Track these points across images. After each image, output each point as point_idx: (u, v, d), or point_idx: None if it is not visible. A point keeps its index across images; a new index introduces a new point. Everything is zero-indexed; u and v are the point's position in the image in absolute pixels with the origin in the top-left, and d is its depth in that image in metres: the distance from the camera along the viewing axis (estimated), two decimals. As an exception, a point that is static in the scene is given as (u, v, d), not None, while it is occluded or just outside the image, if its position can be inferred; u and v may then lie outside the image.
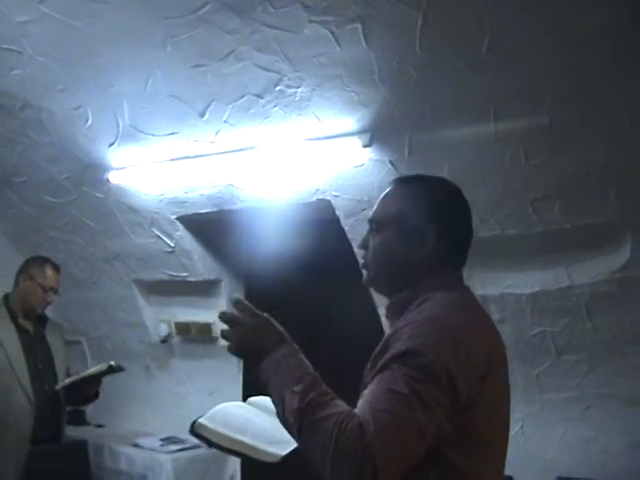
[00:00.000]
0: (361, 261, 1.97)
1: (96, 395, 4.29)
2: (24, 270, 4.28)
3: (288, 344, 1.69)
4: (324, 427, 1.52)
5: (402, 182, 1.95)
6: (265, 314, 1.76)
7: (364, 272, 1.95)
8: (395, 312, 1.84)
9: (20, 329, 4.23)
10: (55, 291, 4.29)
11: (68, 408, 4.52)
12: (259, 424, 1.99)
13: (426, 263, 1.82)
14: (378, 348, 1.72)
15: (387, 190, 1.94)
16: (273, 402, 1.66)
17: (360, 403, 1.58)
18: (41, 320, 4.35)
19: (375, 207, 1.94)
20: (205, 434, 1.95)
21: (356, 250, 3.86)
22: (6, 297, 4.31)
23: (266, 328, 1.73)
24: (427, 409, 1.54)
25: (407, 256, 1.83)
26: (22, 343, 4.19)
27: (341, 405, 1.57)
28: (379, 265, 1.89)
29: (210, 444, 1.96)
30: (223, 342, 5.09)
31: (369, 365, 1.74)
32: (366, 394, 1.59)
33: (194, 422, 1.98)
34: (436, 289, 1.78)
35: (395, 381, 1.56)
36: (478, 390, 1.65)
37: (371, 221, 1.93)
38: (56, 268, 4.32)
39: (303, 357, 1.68)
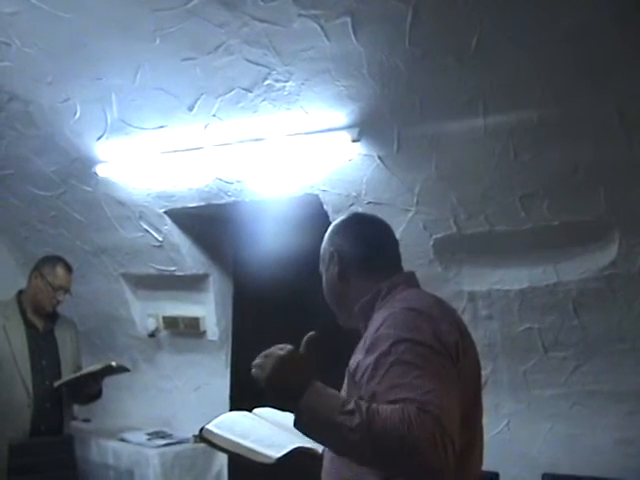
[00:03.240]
0: None
1: (99, 393, 4.35)
2: (36, 268, 4.39)
3: (315, 379, 1.78)
4: (393, 425, 1.64)
5: None
6: (289, 347, 1.83)
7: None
8: (364, 313, 2.06)
9: (28, 325, 4.34)
10: (66, 290, 4.37)
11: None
12: (260, 431, 2.19)
13: (352, 275, 2.10)
14: (367, 343, 1.88)
15: None
16: (321, 430, 1.74)
17: (393, 398, 1.71)
18: (51, 317, 4.39)
19: None
20: (211, 438, 2.17)
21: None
22: (20, 293, 4.43)
23: (300, 362, 1.81)
24: (445, 373, 1.77)
25: (333, 279, 2.13)
26: (28, 338, 4.31)
27: (388, 406, 1.69)
28: (329, 301, 2.18)
29: (216, 447, 2.19)
30: (211, 337, 5.02)
31: (358, 363, 1.89)
32: (391, 389, 1.73)
33: (202, 428, 2.19)
34: (396, 287, 2.04)
35: (409, 369, 1.73)
36: (457, 364, 1.84)
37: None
38: (68, 268, 4.40)
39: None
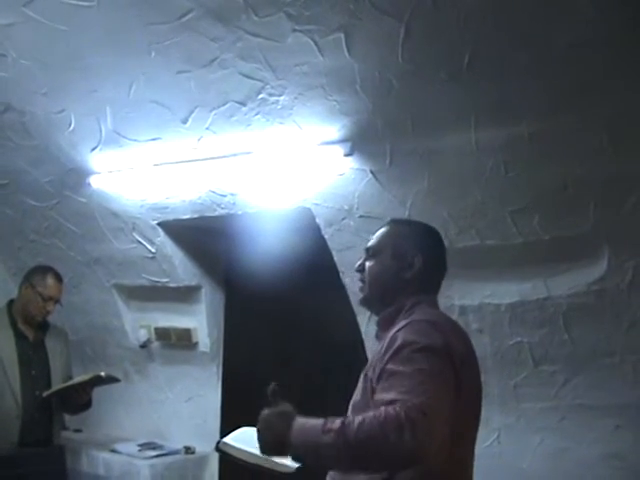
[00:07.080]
0: (359, 284, 2.33)
1: (89, 403, 4.35)
2: (26, 278, 4.38)
3: (296, 418, 1.95)
4: (368, 424, 1.79)
5: (395, 221, 2.46)
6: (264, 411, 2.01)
7: (361, 293, 2.32)
8: (385, 324, 2.22)
9: (18, 335, 4.32)
10: (56, 301, 4.36)
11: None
12: None
13: (412, 283, 2.22)
14: (383, 348, 2.05)
15: (382, 227, 2.37)
16: (313, 456, 1.91)
17: (388, 399, 1.86)
18: (42, 327, 4.39)
19: (372, 239, 2.34)
20: (228, 450, 2.26)
21: (336, 258, 3.88)
22: (10, 303, 4.42)
23: (272, 421, 1.99)
24: (445, 379, 1.92)
25: (398, 275, 2.23)
26: (18, 348, 4.28)
27: (368, 413, 1.84)
28: (374, 284, 2.27)
29: (232, 459, 2.26)
30: (203, 348, 5.03)
31: (374, 365, 2.06)
32: (389, 389, 1.89)
33: (219, 441, 2.29)
34: (419, 304, 2.20)
35: (409, 366, 1.90)
36: (461, 375, 1.98)
37: (368, 249, 2.32)
38: (58, 278, 4.39)
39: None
